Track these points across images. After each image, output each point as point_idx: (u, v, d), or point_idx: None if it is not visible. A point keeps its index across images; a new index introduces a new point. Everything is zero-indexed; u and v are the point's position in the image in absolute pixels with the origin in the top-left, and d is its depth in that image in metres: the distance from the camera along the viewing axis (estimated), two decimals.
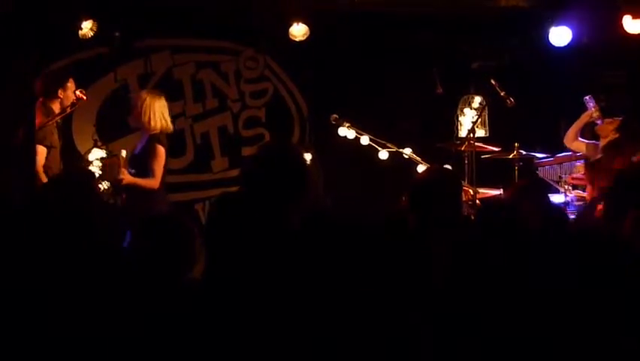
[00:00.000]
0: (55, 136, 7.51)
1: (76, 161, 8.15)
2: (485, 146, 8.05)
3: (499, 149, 8.11)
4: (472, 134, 7.83)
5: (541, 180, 8.14)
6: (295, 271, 3.35)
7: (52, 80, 7.52)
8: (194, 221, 6.32)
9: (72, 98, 7.63)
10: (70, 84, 7.66)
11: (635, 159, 7.14)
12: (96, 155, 7.71)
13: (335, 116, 7.60)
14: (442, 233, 4.18)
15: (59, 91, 7.53)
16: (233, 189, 7.24)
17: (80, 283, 3.43)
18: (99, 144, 8.23)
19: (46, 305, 3.33)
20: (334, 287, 3.34)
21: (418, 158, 7.38)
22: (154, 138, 7.13)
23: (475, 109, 8.94)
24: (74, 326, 3.29)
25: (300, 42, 8.52)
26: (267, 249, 3.37)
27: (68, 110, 7.75)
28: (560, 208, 6.64)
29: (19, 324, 3.28)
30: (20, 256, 3.56)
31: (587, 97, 7.69)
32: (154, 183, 7.06)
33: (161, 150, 7.12)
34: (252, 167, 3.78)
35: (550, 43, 8.46)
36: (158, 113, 7.18)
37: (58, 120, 7.59)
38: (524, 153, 8.04)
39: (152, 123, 7.15)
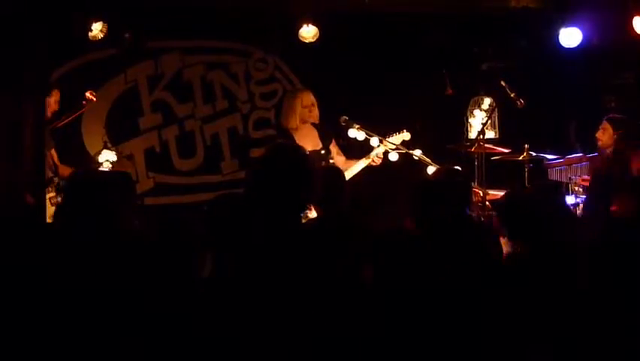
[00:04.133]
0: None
1: (86, 162, 8.17)
2: (495, 147, 8.04)
3: (509, 150, 8.10)
4: (482, 136, 7.83)
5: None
6: (301, 271, 3.35)
7: None
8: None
9: (54, 108, 7.69)
10: (57, 94, 7.72)
11: None
12: (106, 156, 7.74)
13: (345, 117, 7.58)
14: (451, 233, 4.19)
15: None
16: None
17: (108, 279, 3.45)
18: (109, 145, 8.24)
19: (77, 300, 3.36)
20: (339, 287, 3.35)
21: (428, 159, 7.36)
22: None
23: (485, 110, 8.92)
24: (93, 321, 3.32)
25: (310, 43, 8.53)
26: (273, 250, 3.38)
27: (76, 113, 7.83)
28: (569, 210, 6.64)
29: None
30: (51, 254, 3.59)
31: None
32: None
33: None
34: (256, 168, 3.78)
35: (560, 45, 8.44)
36: None
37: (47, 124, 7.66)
38: (534, 154, 8.02)
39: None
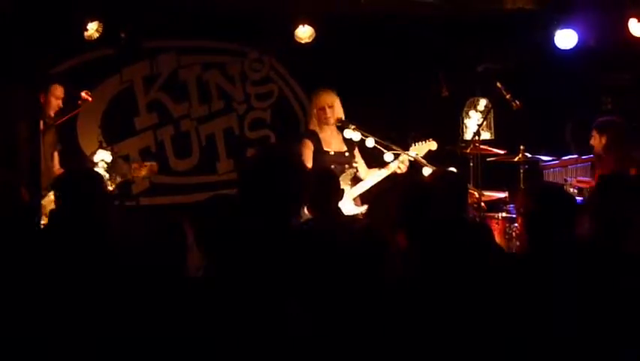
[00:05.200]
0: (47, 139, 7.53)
1: (81, 162, 8.17)
2: (491, 149, 8.04)
3: (505, 152, 8.10)
4: (477, 137, 7.82)
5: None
6: (293, 272, 3.36)
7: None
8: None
9: (56, 105, 7.66)
10: (57, 90, 7.68)
11: None
12: (101, 156, 7.72)
13: (340, 117, 7.57)
14: (447, 236, 4.18)
15: (41, 94, 7.55)
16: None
17: (89, 283, 3.44)
18: (104, 145, 8.23)
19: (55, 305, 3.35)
20: (329, 289, 3.35)
21: (423, 160, 7.35)
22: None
23: (481, 112, 8.93)
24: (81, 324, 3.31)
25: (306, 44, 8.53)
26: (265, 251, 3.38)
27: (71, 113, 7.82)
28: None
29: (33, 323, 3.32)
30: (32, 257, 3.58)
31: None
32: None
33: None
34: (249, 168, 3.79)
35: (556, 46, 8.45)
36: None
37: (51, 123, 7.64)
38: (530, 155, 8.02)
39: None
